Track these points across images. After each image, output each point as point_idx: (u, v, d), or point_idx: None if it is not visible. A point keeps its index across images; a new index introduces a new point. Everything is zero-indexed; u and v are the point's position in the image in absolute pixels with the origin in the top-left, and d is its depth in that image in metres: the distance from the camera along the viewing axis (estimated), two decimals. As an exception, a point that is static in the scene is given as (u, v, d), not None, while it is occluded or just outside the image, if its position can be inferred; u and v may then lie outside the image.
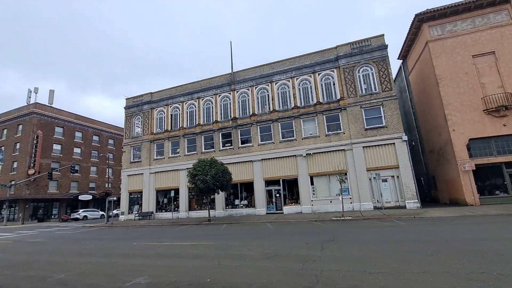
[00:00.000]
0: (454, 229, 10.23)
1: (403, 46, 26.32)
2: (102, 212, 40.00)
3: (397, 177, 20.41)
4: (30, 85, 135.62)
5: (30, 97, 38.07)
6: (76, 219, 35.92)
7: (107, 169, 46.17)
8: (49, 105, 39.39)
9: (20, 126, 37.84)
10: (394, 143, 20.68)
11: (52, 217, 37.97)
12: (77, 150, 42.43)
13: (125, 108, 32.00)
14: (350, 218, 16.36)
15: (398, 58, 28.37)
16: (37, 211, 36.99)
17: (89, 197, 41.15)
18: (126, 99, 32.39)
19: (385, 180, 20.71)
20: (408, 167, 20.02)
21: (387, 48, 22.31)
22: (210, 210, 24.47)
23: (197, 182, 19.58)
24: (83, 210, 37.87)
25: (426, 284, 4.55)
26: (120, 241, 12.66)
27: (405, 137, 20.48)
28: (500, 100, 19.00)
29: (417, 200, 19.43)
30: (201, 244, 10.09)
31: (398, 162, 20.33)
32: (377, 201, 20.72)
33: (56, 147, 39.24)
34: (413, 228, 11.05)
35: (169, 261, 7.48)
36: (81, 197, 39.92)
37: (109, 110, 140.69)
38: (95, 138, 45.92)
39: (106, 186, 46.09)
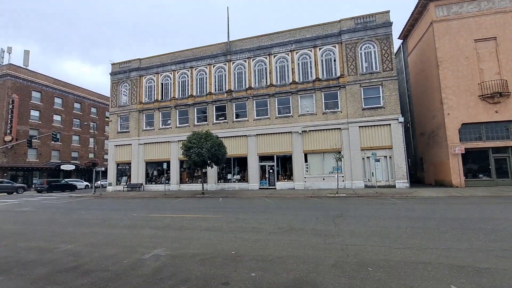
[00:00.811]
0: (452, 208, 10.63)
1: (405, 25, 25.79)
2: (86, 183, 38.88)
3: (390, 157, 20.90)
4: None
5: (3, 57, 34.57)
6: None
7: (90, 138, 44.35)
8: (24, 67, 36.08)
9: (-7, 89, 34.70)
10: (390, 124, 20.90)
11: (33, 186, 36.41)
12: (57, 118, 39.96)
13: (111, 74, 29.94)
14: (345, 195, 16.76)
15: (398, 38, 27.92)
16: (16, 180, 35.24)
17: (72, 167, 39.63)
18: (112, 64, 30.21)
19: (378, 160, 21.12)
20: (401, 148, 20.48)
21: (391, 25, 21.72)
22: (203, 184, 24.36)
23: (191, 155, 19.08)
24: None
25: (456, 259, 4.60)
26: (117, 212, 12.25)
27: (401, 119, 20.70)
28: (495, 87, 19.36)
29: (406, 180, 20.14)
30: (207, 216, 9.91)
31: (392, 143, 20.70)
32: (368, 180, 21.31)
33: (34, 113, 36.65)
34: (412, 206, 11.41)
35: (181, 233, 7.24)
36: (63, 167, 38.36)
37: (89, 77, 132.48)
38: (77, 105, 43.28)
39: (89, 156, 44.45)
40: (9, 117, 33.24)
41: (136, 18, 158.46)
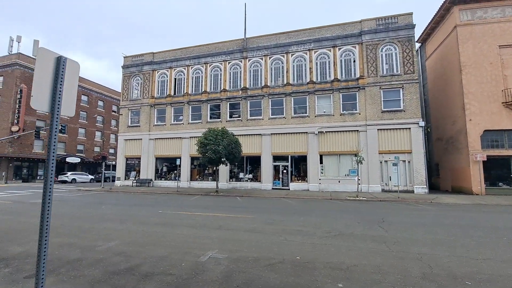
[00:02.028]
0: (493, 217, 10.18)
1: (425, 29, 25.38)
2: (92, 176, 38.40)
3: (408, 162, 20.45)
4: (2, 38, 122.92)
5: (12, 46, 33.99)
6: (64, 182, 34.18)
7: (97, 132, 43.88)
8: (34, 57, 35.50)
9: (1, 78, 34.09)
10: (410, 128, 20.45)
11: (38, 178, 35.94)
12: (64, 109, 39.38)
13: (123, 67, 29.45)
14: (365, 199, 16.30)
15: (416, 41, 27.42)
16: (21, 170, 34.78)
17: (77, 159, 39.10)
18: (124, 57, 29.72)
19: (396, 164, 20.70)
20: (421, 153, 20.05)
21: (414, 27, 21.30)
22: (214, 182, 23.93)
23: (208, 152, 18.61)
24: (71, 172, 36.04)
25: (557, 276, 4.15)
26: (139, 207, 11.77)
27: (422, 123, 20.27)
28: (520, 94, 18.94)
29: (425, 186, 19.70)
30: (238, 216, 9.44)
31: (411, 147, 20.27)
32: (386, 184, 20.87)
33: (42, 104, 36.05)
34: (447, 213, 10.97)
35: (223, 233, 6.78)
36: (68, 160, 37.84)
37: (91, 72, 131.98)
38: (84, 98, 42.73)
39: (95, 149, 44.01)
40: (17, 107, 32.72)
41: (141, 14, 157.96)
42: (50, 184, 1.97)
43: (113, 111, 47.73)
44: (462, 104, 20.22)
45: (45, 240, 2.09)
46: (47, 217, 2.04)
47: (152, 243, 5.87)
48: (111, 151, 45.90)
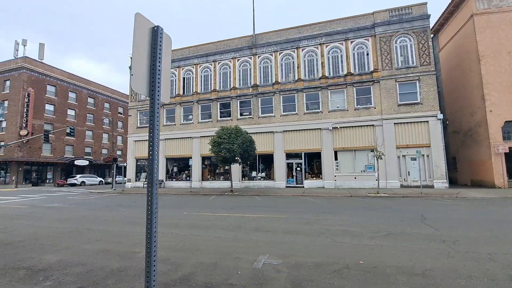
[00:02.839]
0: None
1: (438, 19, 24.75)
2: (101, 179, 38.31)
3: (427, 156, 19.92)
4: (4, 43, 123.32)
5: (17, 50, 33.76)
6: (73, 185, 34.10)
7: (104, 134, 43.73)
8: (40, 60, 35.34)
9: (8, 82, 33.88)
10: (427, 121, 19.91)
11: (47, 181, 35.85)
12: (71, 112, 39.24)
13: (130, 68, 29.06)
14: (387, 195, 15.85)
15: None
16: (30, 174, 34.68)
17: (86, 162, 39.00)
18: (131, 57, 29.33)
19: (414, 159, 20.19)
20: (440, 147, 19.50)
21: (429, 18, 20.71)
22: (226, 181, 23.69)
23: (222, 151, 18.24)
24: (80, 175, 35.89)
25: None
26: (161, 209, 11.35)
27: (441, 116, 19.71)
28: (542, 82, 18.32)
29: (445, 180, 19.18)
30: (269, 216, 9.04)
31: (430, 141, 19.73)
32: (404, 179, 20.38)
33: (49, 107, 35.91)
34: (484, 208, 10.50)
35: (264, 235, 6.39)
36: (77, 162, 37.73)
37: (94, 74, 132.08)
38: (90, 100, 42.52)
39: (103, 152, 43.88)
40: (25, 110, 32.54)
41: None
42: (156, 189, 1.58)
43: (119, 112, 47.54)
44: (481, 94, 19.63)
45: (154, 257, 1.69)
46: (155, 226, 1.65)
47: (194, 248, 5.49)
48: (118, 153, 45.73)
